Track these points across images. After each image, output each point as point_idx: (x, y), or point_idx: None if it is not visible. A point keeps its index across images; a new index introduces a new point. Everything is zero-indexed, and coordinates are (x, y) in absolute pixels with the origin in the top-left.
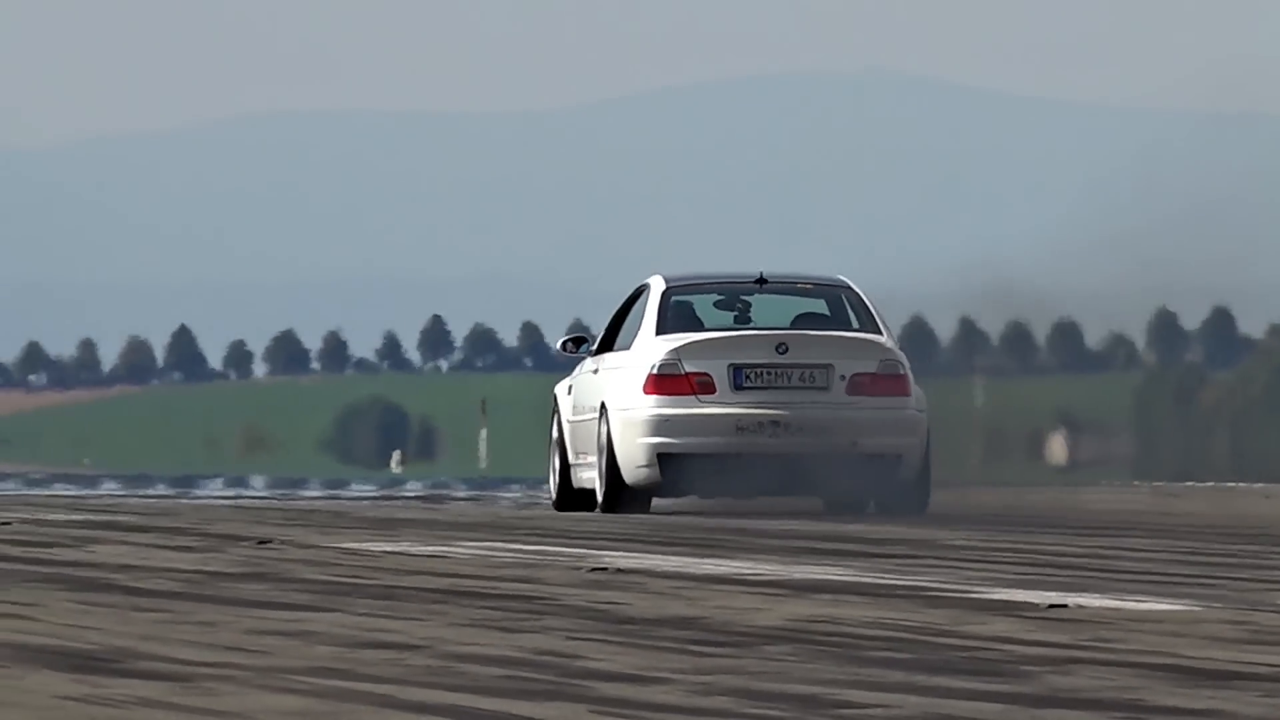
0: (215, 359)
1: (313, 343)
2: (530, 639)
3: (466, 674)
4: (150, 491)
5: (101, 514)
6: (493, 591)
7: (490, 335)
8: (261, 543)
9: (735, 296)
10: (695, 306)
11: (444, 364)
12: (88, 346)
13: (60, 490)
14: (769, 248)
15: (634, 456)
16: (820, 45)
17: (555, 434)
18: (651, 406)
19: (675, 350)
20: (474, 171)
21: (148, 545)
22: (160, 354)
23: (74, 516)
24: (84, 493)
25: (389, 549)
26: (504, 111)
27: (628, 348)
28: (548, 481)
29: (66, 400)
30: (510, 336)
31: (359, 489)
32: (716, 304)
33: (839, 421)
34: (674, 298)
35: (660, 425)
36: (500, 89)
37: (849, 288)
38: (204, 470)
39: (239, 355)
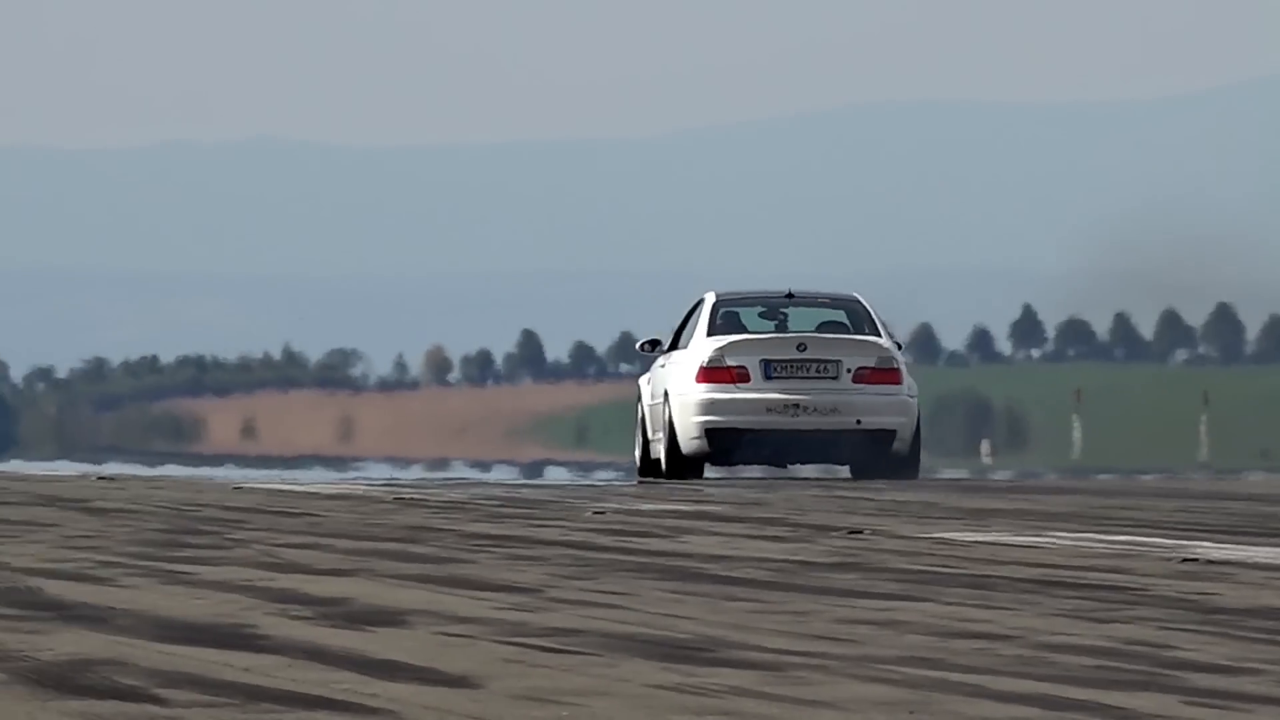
0: None
1: (903, 335)
2: (1121, 629)
3: (1057, 664)
4: (742, 481)
5: (693, 504)
6: (1084, 581)
7: (1083, 326)
8: (853, 532)
9: (774, 308)
10: (741, 316)
11: (1035, 354)
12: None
13: (648, 479)
14: None
15: (688, 431)
16: None
17: (639, 416)
18: (701, 392)
19: (720, 348)
20: (1063, 163)
21: (739, 535)
22: None
23: (666, 506)
24: (674, 482)
25: (980, 539)
26: (1083, 101)
27: (686, 347)
28: (633, 455)
29: None
30: (1102, 328)
31: (945, 479)
32: (760, 314)
33: (846, 404)
34: (723, 309)
35: (707, 406)
36: (1079, 80)
37: (859, 301)
38: None
39: None
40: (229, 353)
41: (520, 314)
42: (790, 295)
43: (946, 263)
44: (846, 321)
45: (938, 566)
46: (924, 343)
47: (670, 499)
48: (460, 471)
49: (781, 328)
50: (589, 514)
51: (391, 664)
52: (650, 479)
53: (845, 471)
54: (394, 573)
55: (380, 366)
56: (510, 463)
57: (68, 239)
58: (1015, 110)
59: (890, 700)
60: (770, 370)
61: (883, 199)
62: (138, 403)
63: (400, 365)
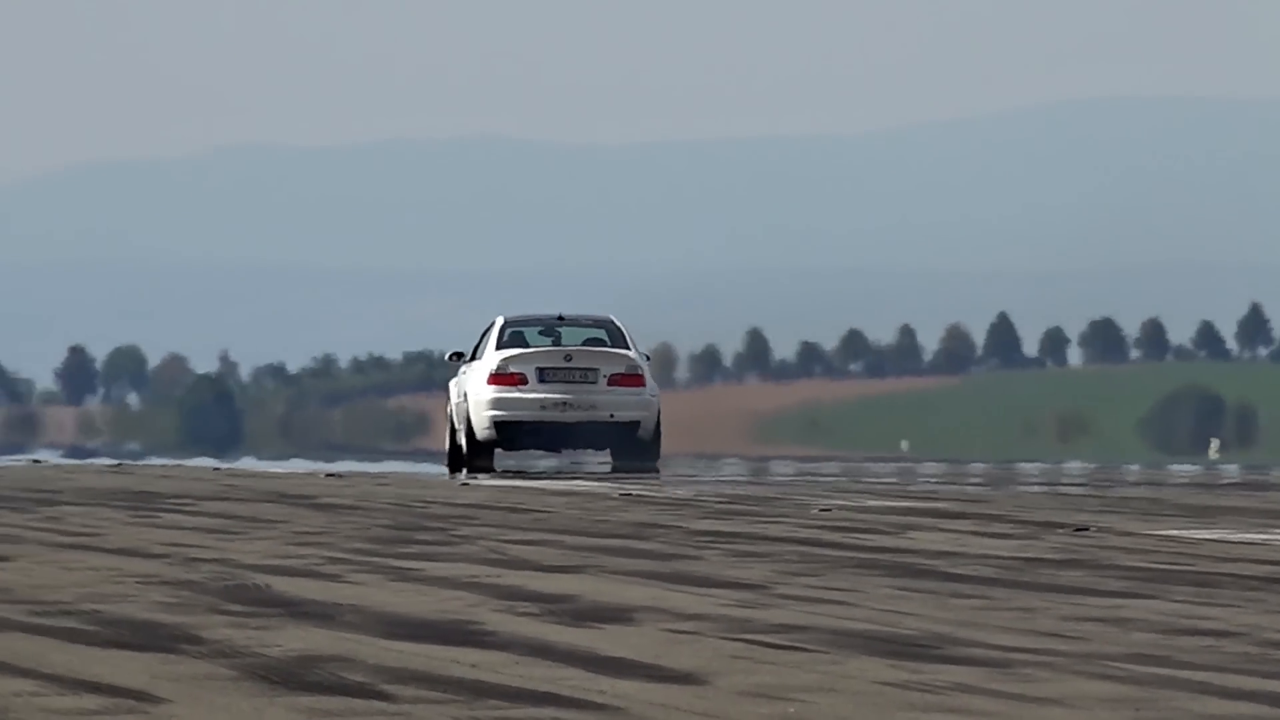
0: (1031, 346)
1: (1131, 330)
2: None
3: None
4: (968, 478)
5: (920, 501)
6: None
7: None
8: (1079, 529)
9: (550, 327)
10: (525, 334)
11: (1263, 351)
12: (907, 334)
13: (879, 477)
14: None
15: (482, 423)
16: None
17: (448, 413)
18: (490, 392)
19: (505, 359)
20: None
21: (965, 532)
22: (979, 341)
23: (893, 503)
24: (903, 480)
25: (1207, 536)
26: None
27: (480, 358)
28: (444, 446)
29: (885, 388)
30: None
31: (1176, 475)
32: (540, 332)
33: (602, 402)
34: (509, 329)
35: (496, 404)
36: None
37: (614, 322)
38: (1021, 456)
39: (1055, 342)
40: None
41: (748, 313)
42: (561, 318)
43: (1175, 258)
44: (605, 337)
45: (1164, 563)
46: (1151, 337)
47: (897, 496)
48: (686, 468)
49: (555, 343)
50: (815, 510)
51: (618, 660)
52: (456, 468)
53: (606, 455)
54: (621, 569)
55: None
56: (737, 459)
57: (296, 236)
58: (1241, 106)
59: (1117, 698)
60: (544, 375)
61: (1112, 193)
62: (366, 399)
63: None
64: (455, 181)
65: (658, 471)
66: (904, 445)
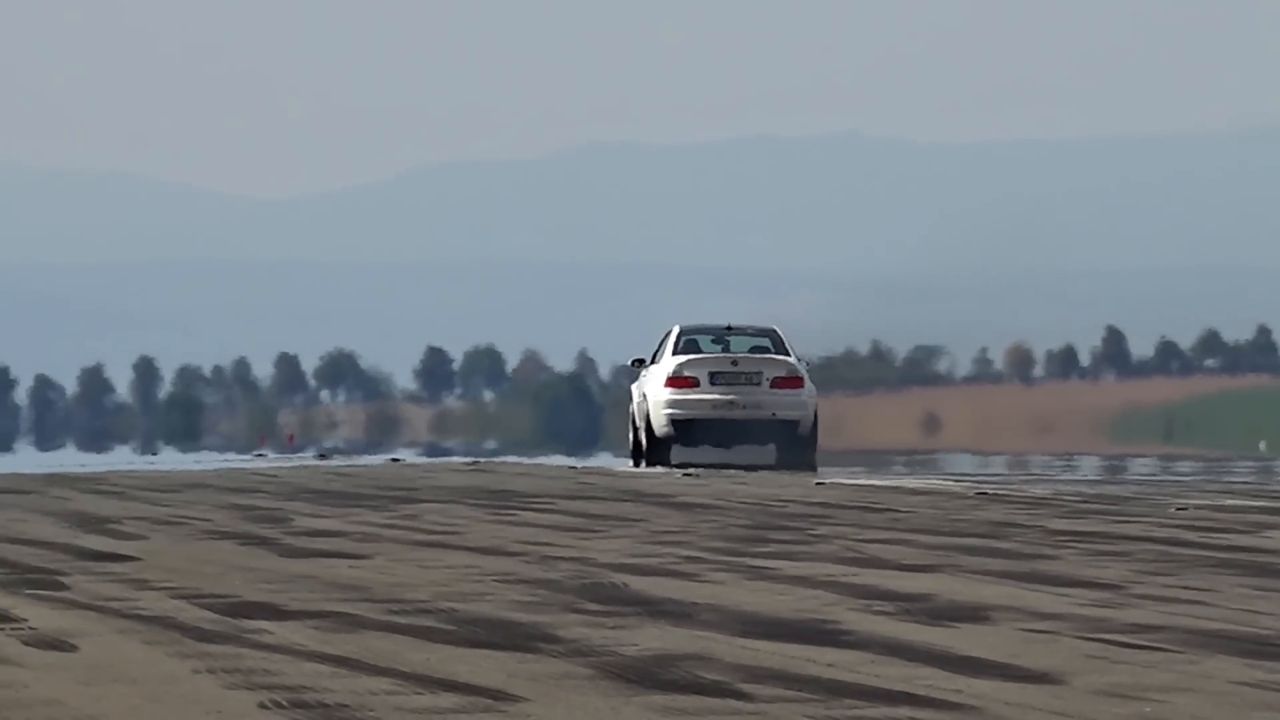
0: None
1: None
2: None
3: None
4: None
5: (1278, 500)
6: None
7: None
8: None
9: (720, 336)
10: (698, 341)
11: None
12: (1264, 333)
13: (1237, 476)
14: None
15: (660, 422)
16: None
17: (630, 413)
18: (668, 394)
19: (680, 364)
20: None
21: None
22: None
23: (1250, 502)
24: (1260, 478)
25: None
26: None
27: (659, 363)
28: (628, 439)
29: (1243, 385)
30: None
31: None
32: (711, 340)
33: (765, 402)
34: (684, 337)
35: (673, 404)
36: None
37: (776, 331)
38: None
39: None
40: (815, 349)
41: (1104, 311)
42: (729, 328)
43: None
44: (769, 345)
45: None
46: None
47: (1254, 495)
48: (1044, 467)
49: (725, 350)
50: (1173, 509)
51: (974, 660)
52: (638, 462)
53: (771, 449)
54: (977, 568)
55: (964, 363)
56: (1095, 457)
57: (655, 234)
58: None
59: None
60: (715, 379)
61: None
62: None
63: (983, 361)
64: (812, 179)
65: (815, 466)
66: (1262, 446)
